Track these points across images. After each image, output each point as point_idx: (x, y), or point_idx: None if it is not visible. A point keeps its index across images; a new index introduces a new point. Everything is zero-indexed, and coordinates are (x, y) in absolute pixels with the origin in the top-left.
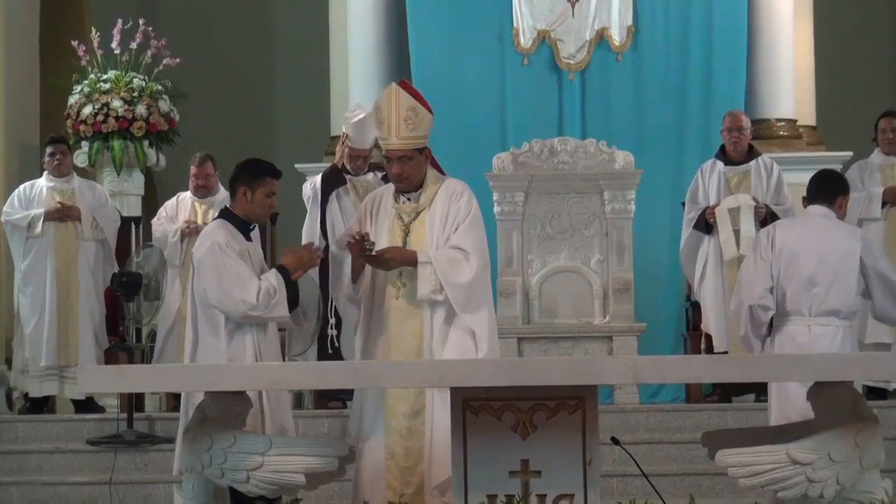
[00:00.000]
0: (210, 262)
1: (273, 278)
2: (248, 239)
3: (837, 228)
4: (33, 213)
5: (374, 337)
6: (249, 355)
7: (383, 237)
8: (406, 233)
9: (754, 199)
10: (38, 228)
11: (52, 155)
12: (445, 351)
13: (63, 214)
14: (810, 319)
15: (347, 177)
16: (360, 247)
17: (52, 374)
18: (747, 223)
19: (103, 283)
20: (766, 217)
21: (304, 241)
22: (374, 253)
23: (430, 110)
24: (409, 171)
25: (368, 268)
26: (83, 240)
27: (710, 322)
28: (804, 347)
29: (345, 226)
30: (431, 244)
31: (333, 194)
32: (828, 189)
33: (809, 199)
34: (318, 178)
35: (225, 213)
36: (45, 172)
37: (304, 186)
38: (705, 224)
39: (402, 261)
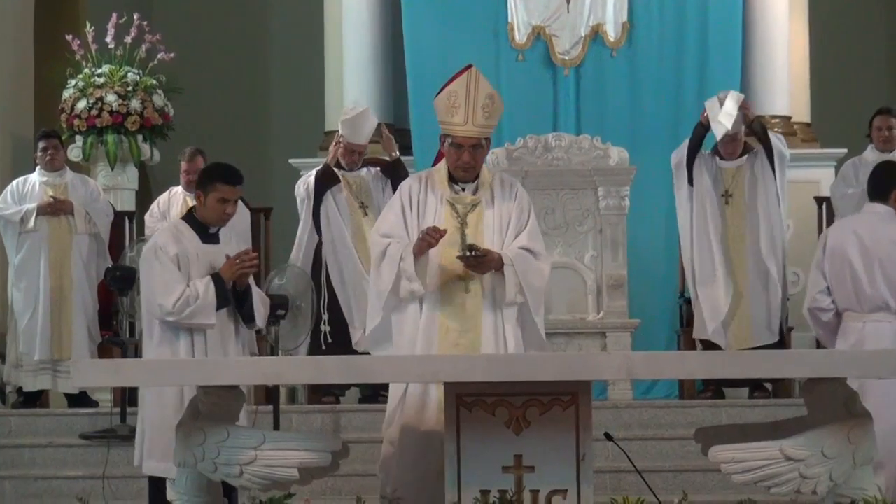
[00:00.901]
0: (144, 263)
1: (201, 286)
2: (207, 241)
3: (883, 223)
4: (26, 208)
5: (424, 331)
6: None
7: (449, 233)
8: (463, 224)
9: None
10: (31, 223)
11: (44, 150)
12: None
13: (56, 209)
14: (864, 315)
15: (341, 172)
16: (434, 244)
17: (45, 368)
18: (732, 104)
19: (96, 277)
20: (753, 123)
21: (299, 241)
22: (478, 252)
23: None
24: (477, 160)
25: (433, 263)
26: (76, 234)
27: (704, 306)
28: (858, 344)
29: (342, 222)
30: (493, 240)
31: (328, 193)
32: (880, 184)
33: (869, 197)
34: (312, 179)
35: (188, 213)
36: (38, 167)
37: (297, 185)
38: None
39: (497, 264)
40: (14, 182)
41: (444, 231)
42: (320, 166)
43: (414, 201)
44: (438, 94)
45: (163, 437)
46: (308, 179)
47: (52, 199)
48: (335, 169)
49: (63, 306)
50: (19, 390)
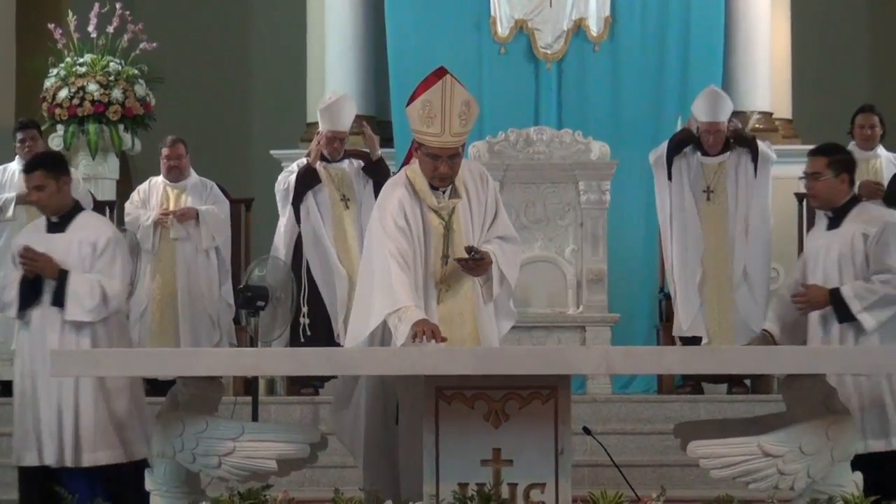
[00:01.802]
0: None
1: (10, 280)
2: (51, 230)
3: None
4: (5, 197)
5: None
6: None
7: (429, 237)
8: (448, 230)
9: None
10: (10, 212)
11: (21, 141)
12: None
13: None
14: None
15: (323, 164)
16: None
17: None
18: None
19: None
20: (737, 133)
21: (279, 232)
22: (477, 255)
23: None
24: (456, 168)
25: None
26: None
27: (680, 303)
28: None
29: (322, 219)
30: (472, 236)
31: (308, 193)
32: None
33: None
34: (293, 178)
35: None
36: (17, 157)
37: (277, 181)
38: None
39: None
40: None
41: (445, 339)
42: (302, 163)
43: (409, 215)
44: (411, 101)
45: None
46: (289, 178)
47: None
48: (316, 172)
49: None
50: None
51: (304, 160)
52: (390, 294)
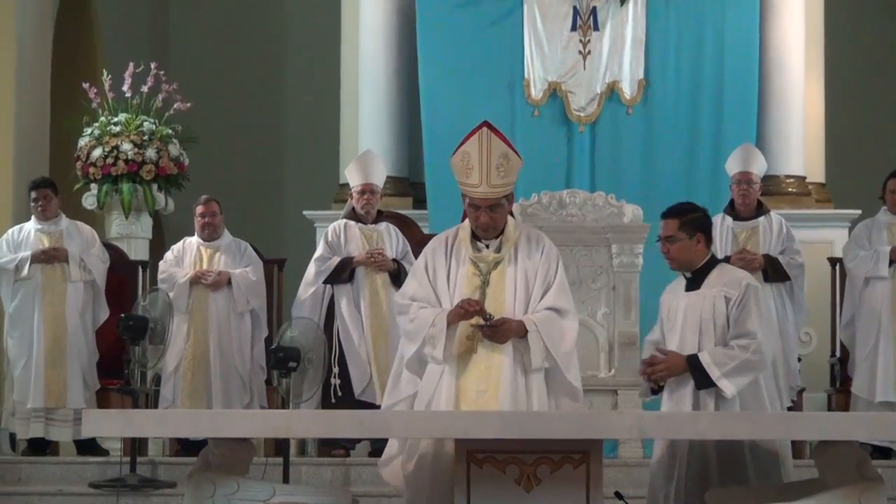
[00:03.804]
0: None
1: None
2: None
3: None
4: (20, 256)
5: (445, 391)
6: None
7: (461, 289)
8: (485, 283)
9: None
10: (25, 271)
11: (35, 200)
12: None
13: (50, 256)
14: None
15: (358, 226)
16: (470, 315)
17: (38, 416)
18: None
19: (93, 325)
20: (766, 268)
21: (308, 295)
22: (491, 322)
23: (518, 155)
24: (497, 220)
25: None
26: (70, 282)
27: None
28: None
29: (356, 280)
30: (516, 300)
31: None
32: None
33: None
34: (332, 263)
35: None
36: (32, 216)
37: (319, 253)
38: None
39: (516, 332)
40: (10, 231)
41: (480, 304)
42: (341, 224)
43: (440, 263)
44: (455, 153)
45: None
46: (330, 262)
47: (45, 248)
48: (352, 221)
49: (57, 354)
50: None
51: (341, 222)
52: (416, 321)
